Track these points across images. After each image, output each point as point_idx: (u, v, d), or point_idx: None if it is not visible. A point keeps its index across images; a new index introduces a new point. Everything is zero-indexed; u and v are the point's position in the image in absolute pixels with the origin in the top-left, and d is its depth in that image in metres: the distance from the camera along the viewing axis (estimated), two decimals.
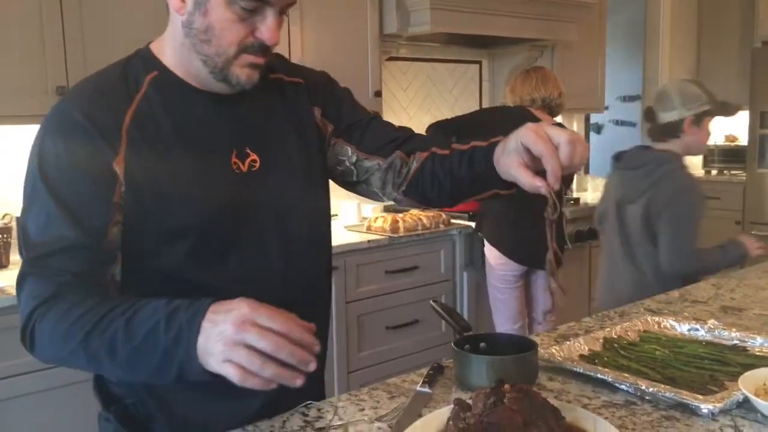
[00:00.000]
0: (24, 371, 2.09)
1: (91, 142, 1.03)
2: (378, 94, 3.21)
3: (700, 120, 2.46)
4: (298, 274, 1.19)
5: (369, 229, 3.07)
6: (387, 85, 3.56)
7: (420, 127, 3.82)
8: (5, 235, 2.39)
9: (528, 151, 1.03)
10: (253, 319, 0.88)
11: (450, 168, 1.21)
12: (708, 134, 2.53)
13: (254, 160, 1.15)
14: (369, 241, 2.92)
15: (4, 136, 2.56)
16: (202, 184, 1.09)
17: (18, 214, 2.39)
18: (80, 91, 1.11)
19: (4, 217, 2.47)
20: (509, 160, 1.06)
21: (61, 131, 1.04)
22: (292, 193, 1.19)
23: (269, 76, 1.21)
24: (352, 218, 3.19)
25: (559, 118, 3.38)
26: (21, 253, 1.04)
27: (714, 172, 5.64)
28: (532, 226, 3.04)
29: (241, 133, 1.15)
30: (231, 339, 0.87)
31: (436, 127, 3.22)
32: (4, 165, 2.55)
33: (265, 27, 1.05)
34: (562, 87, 3.23)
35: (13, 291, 2.04)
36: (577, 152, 1.00)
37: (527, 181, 1.03)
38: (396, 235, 3.00)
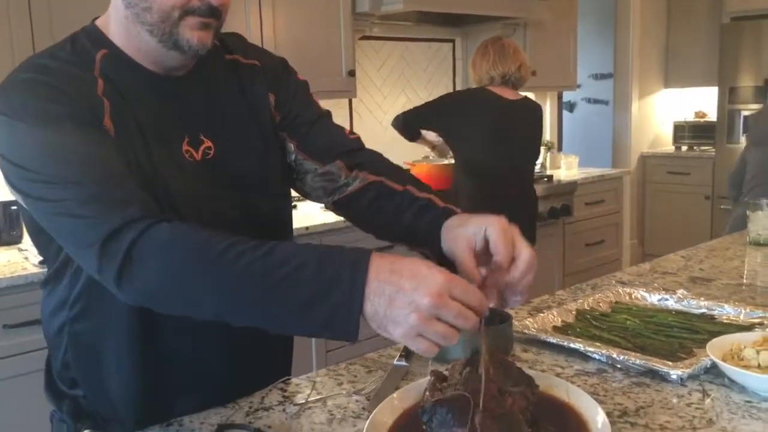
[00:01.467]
0: (25, 350, 2.09)
1: (76, 106, 0.97)
2: (351, 73, 3.20)
3: None
4: None
5: None
6: (361, 65, 3.55)
7: (395, 107, 3.83)
8: None
9: (485, 242, 0.97)
10: (450, 291, 0.80)
11: (394, 207, 1.13)
12: None
13: (209, 147, 1.10)
14: (345, 221, 2.91)
15: None
16: (153, 174, 1.02)
17: None
18: (36, 66, 1.01)
19: None
20: (461, 239, 0.99)
21: (38, 95, 0.96)
22: (250, 180, 1.14)
23: (225, 56, 1.17)
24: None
25: (530, 97, 3.37)
26: (48, 200, 0.93)
27: (684, 147, 5.72)
28: (504, 208, 3.08)
29: (193, 118, 1.09)
30: (427, 313, 0.79)
31: (402, 120, 3.16)
32: None
33: None
34: (524, 58, 3.10)
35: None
36: (527, 276, 0.96)
37: (468, 268, 0.95)
38: None
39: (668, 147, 5.90)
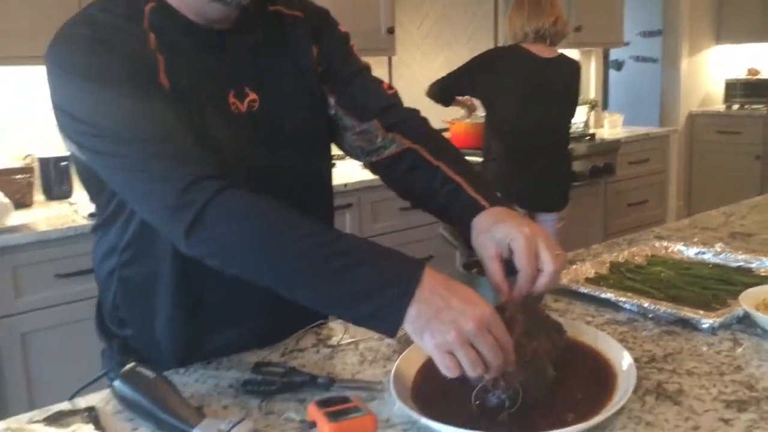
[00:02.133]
0: (51, 304, 2.18)
1: (132, 60, 0.99)
2: (390, 30, 3.18)
3: None
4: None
5: None
6: (401, 22, 3.52)
7: (434, 65, 3.80)
8: (28, 175, 2.44)
9: (511, 251, 0.98)
10: (490, 325, 0.84)
11: (429, 183, 1.15)
12: None
13: (254, 100, 1.11)
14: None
15: (26, 79, 2.58)
16: (202, 126, 1.04)
17: (40, 155, 2.45)
18: (89, 19, 1.03)
19: (26, 157, 2.53)
20: (489, 246, 1.01)
21: (96, 52, 0.98)
22: (294, 133, 1.16)
23: (268, 7, 1.17)
24: None
25: (575, 54, 3.30)
26: (113, 155, 0.96)
27: (735, 106, 5.56)
28: (534, 168, 3.07)
29: (238, 71, 1.10)
30: (466, 336, 0.83)
31: (436, 89, 3.12)
32: (23, 106, 2.59)
33: None
34: (561, 12, 2.97)
35: (38, 227, 2.12)
36: (550, 286, 0.98)
37: (494, 278, 0.99)
38: None
39: (718, 105, 5.73)
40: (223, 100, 1.09)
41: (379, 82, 1.26)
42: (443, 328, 0.83)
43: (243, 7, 1.07)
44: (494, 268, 1.00)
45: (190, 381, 1.05)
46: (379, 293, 0.86)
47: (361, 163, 1.28)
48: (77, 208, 2.38)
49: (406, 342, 1.11)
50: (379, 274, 0.88)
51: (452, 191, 1.13)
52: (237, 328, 1.15)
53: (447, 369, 0.84)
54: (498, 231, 1.01)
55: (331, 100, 1.21)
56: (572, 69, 3.09)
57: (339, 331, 1.20)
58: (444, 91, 3.11)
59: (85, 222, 2.21)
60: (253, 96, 1.11)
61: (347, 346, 1.14)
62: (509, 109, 2.95)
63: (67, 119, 1.01)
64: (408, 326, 0.86)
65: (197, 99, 1.06)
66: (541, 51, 2.96)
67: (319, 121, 1.21)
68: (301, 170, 1.18)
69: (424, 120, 1.25)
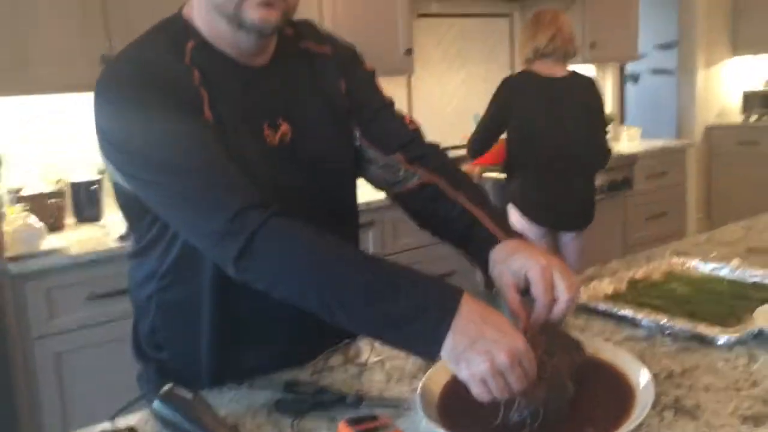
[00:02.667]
0: (84, 325, 2.24)
1: (177, 95, 1.05)
2: (408, 51, 3.25)
3: None
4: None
5: None
6: (419, 43, 3.59)
7: (453, 82, 3.86)
8: (60, 199, 2.53)
9: (527, 281, 1.04)
10: (521, 358, 0.89)
11: (448, 216, 1.22)
12: None
13: (286, 132, 1.17)
14: None
15: (57, 106, 2.68)
16: (240, 158, 1.09)
17: (71, 179, 2.53)
18: (136, 56, 1.11)
19: (58, 182, 2.61)
20: (506, 276, 1.07)
21: (145, 89, 1.05)
22: (324, 163, 1.21)
23: (299, 44, 1.24)
24: None
25: (591, 70, 3.31)
26: (163, 185, 1.03)
27: (753, 118, 5.54)
28: (557, 187, 3.08)
29: (272, 104, 1.16)
30: (498, 367, 0.88)
31: (478, 148, 3.05)
32: (56, 132, 2.68)
33: None
34: (561, 27, 2.92)
35: (71, 251, 2.20)
36: (566, 313, 1.04)
37: (513, 306, 1.04)
38: None
39: (736, 118, 5.73)
40: (258, 131, 1.15)
41: (402, 116, 1.32)
42: (478, 359, 0.89)
43: (267, 36, 1.13)
44: (512, 297, 1.05)
45: (224, 401, 1.09)
46: (418, 319, 0.92)
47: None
48: (108, 231, 2.45)
49: (432, 360, 1.16)
50: (418, 301, 0.93)
51: (470, 223, 1.20)
52: (270, 348, 1.20)
53: (481, 396, 0.90)
54: (514, 262, 1.07)
55: (357, 133, 1.27)
56: (587, 85, 3.08)
57: (366, 350, 1.25)
58: (483, 144, 3.05)
59: (115, 245, 2.29)
60: (285, 128, 1.17)
61: (374, 365, 1.19)
62: (529, 129, 2.96)
63: (115, 151, 1.08)
64: (445, 354, 0.91)
65: (236, 131, 1.12)
66: (550, 70, 2.95)
67: (347, 151, 1.27)
68: (330, 197, 1.24)
69: (444, 154, 1.31)
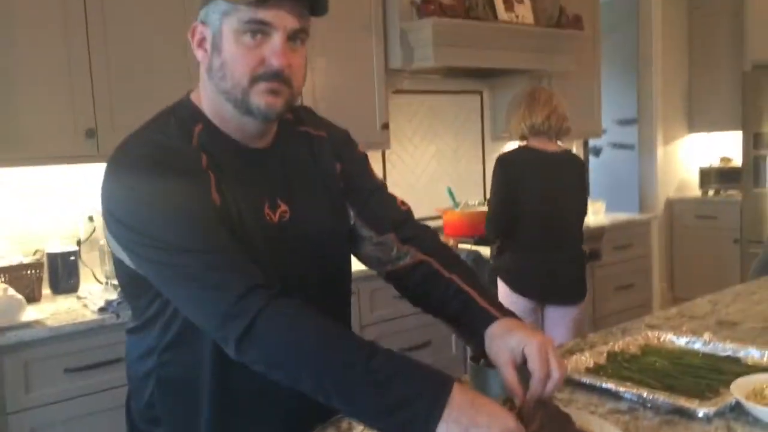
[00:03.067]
0: (61, 399, 2.20)
1: (187, 176, 1.11)
2: (385, 126, 3.36)
3: None
4: (329, 309, 1.24)
5: None
6: (393, 117, 3.70)
7: (425, 156, 3.98)
8: (37, 270, 2.51)
9: (524, 357, 1.12)
10: None
11: (441, 294, 1.28)
12: None
13: (284, 211, 1.23)
14: None
15: (36, 177, 2.69)
16: (243, 236, 1.15)
17: (49, 250, 2.53)
18: (145, 139, 1.16)
19: (35, 252, 2.60)
20: (503, 352, 1.13)
21: (156, 171, 1.09)
22: (320, 241, 1.27)
23: (297, 128, 1.31)
24: None
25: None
26: (169, 265, 1.06)
27: (711, 192, 5.77)
28: (548, 260, 3.11)
29: (273, 185, 1.23)
30: None
31: (493, 228, 3.07)
32: (37, 203, 2.69)
33: (274, 53, 1.12)
34: (556, 107, 3.01)
35: (48, 323, 2.18)
36: (558, 388, 1.12)
37: (510, 382, 1.11)
38: None
39: (695, 191, 5.96)
40: (259, 210, 1.20)
41: (394, 198, 1.39)
42: None
43: (271, 121, 1.21)
44: (509, 373, 1.12)
45: None
46: (411, 409, 0.96)
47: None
48: (86, 303, 2.44)
49: None
50: (412, 391, 0.97)
51: (464, 302, 1.26)
52: (268, 424, 1.22)
53: None
54: (511, 338, 1.14)
55: (352, 212, 1.33)
56: (578, 163, 3.16)
57: (359, 424, 1.27)
58: (499, 224, 3.06)
59: (94, 317, 2.27)
60: (284, 207, 1.23)
61: None
62: (524, 201, 2.98)
63: (124, 230, 1.11)
64: None
65: (239, 211, 1.17)
66: (545, 146, 3.02)
67: (343, 228, 1.33)
68: (327, 272, 1.29)
69: (435, 235, 1.39)
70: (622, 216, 4.53)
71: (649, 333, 1.67)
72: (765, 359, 1.47)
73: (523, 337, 1.12)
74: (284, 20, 1.13)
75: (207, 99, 1.21)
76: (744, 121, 5.27)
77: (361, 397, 0.99)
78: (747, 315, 1.92)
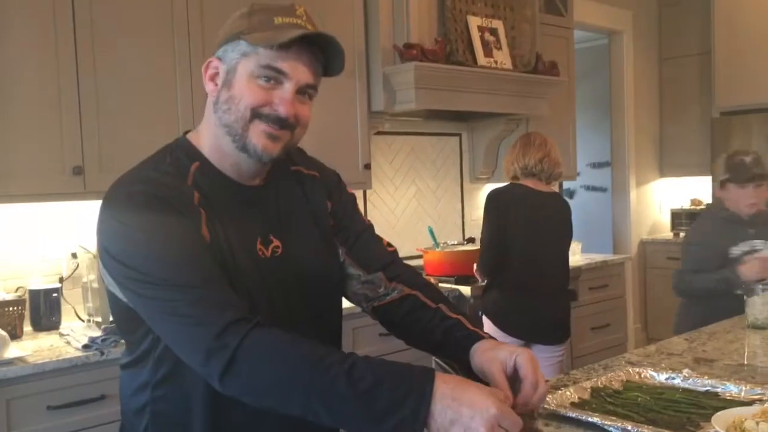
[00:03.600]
0: (69, 430, 2.19)
1: (178, 213, 1.14)
2: (367, 166, 3.42)
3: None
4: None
5: None
6: (374, 158, 3.77)
7: (406, 196, 4.04)
8: (19, 307, 2.50)
9: (514, 368, 1.19)
10: (499, 420, 0.99)
11: (427, 322, 1.33)
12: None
13: (277, 246, 1.27)
14: None
15: (20, 213, 2.70)
16: (236, 271, 1.19)
17: (31, 287, 2.52)
18: (138, 177, 1.20)
19: (17, 290, 2.59)
20: (495, 362, 1.19)
21: (145, 208, 1.13)
22: (311, 276, 1.30)
23: (290, 167, 1.36)
24: None
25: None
26: (156, 299, 1.09)
27: (682, 234, 5.89)
28: (535, 300, 3.10)
29: (265, 221, 1.27)
30: None
31: (486, 270, 3.14)
32: (20, 240, 2.69)
33: (282, 100, 1.18)
34: (549, 151, 3.10)
35: (31, 360, 2.16)
36: (545, 396, 1.21)
37: (501, 387, 1.15)
38: None
39: (667, 233, 6.09)
40: (252, 246, 1.24)
41: (380, 239, 1.45)
42: None
43: (266, 164, 1.25)
44: (501, 380, 1.17)
45: None
46: (397, 414, 0.99)
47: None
48: (69, 339, 2.42)
49: None
50: (396, 392, 1.00)
51: (452, 326, 1.31)
52: None
53: None
54: (501, 352, 1.21)
55: (341, 251, 1.38)
56: (565, 205, 3.24)
57: None
58: (490, 260, 3.11)
59: (78, 353, 2.26)
60: (276, 243, 1.27)
61: None
62: (512, 236, 3.03)
63: (118, 265, 1.14)
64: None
65: (231, 246, 1.20)
66: (537, 185, 3.09)
67: (334, 265, 1.37)
68: (318, 306, 1.32)
69: (420, 274, 1.45)
70: (597, 257, 4.61)
71: (630, 369, 1.72)
72: (743, 394, 1.52)
73: (513, 350, 1.20)
74: (299, 73, 1.19)
75: (208, 135, 1.25)
76: (713, 165, 5.43)
77: (348, 411, 1.02)
78: (722, 353, 1.98)
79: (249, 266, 1.22)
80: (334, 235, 1.38)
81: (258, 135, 1.20)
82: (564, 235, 3.20)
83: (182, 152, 1.26)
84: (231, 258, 1.19)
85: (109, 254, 1.15)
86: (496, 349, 1.22)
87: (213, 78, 1.23)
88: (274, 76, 1.18)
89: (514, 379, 1.18)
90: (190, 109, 2.71)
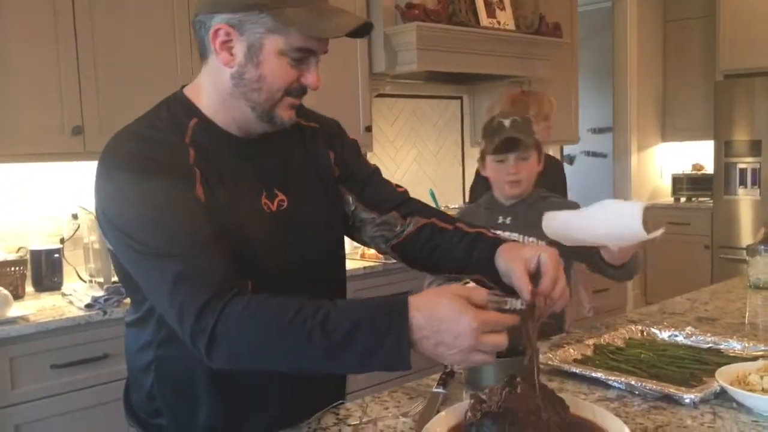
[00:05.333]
0: (46, 395, 2.19)
1: (171, 174, 1.12)
2: (368, 128, 3.39)
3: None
4: (325, 296, 1.25)
5: (363, 256, 3.22)
6: (375, 121, 3.74)
7: (407, 160, 4.02)
8: (21, 268, 2.50)
9: (537, 266, 1.17)
10: (483, 327, 0.99)
11: (448, 242, 1.33)
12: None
13: (282, 200, 1.26)
14: (364, 268, 3.08)
15: (20, 173, 2.68)
16: (238, 223, 1.18)
17: (32, 247, 2.51)
18: (134, 134, 1.18)
19: (19, 250, 2.59)
20: (518, 260, 1.17)
21: (139, 169, 1.12)
22: (316, 228, 1.30)
23: None
24: (347, 246, 3.32)
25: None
26: (156, 281, 1.09)
27: (683, 199, 5.89)
28: None
29: (269, 175, 1.26)
30: (469, 350, 0.99)
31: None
32: (21, 200, 2.68)
33: (310, 73, 1.19)
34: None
35: (32, 318, 2.17)
36: (561, 298, 1.16)
37: (522, 284, 1.14)
38: (389, 262, 3.15)
39: (668, 198, 6.08)
40: (257, 201, 1.23)
41: (389, 181, 1.43)
42: (448, 353, 1.00)
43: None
44: (522, 277, 1.15)
45: None
46: (380, 349, 1.00)
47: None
48: (71, 300, 2.43)
49: (422, 419, 1.22)
50: (373, 335, 1.00)
51: (474, 239, 1.31)
52: (266, 413, 1.24)
53: (484, 362, 1.03)
54: (526, 250, 1.20)
55: (350, 198, 1.37)
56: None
57: (356, 411, 1.29)
58: None
59: (81, 313, 2.27)
60: (281, 196, 1.26)
61: (366, 425, 1.24)
62: None
63: (109, 225, 1.14)
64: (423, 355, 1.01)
65: (234, 203, 1.19)
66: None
67: (337, 214, 1.37)
68: (322, 258, 1.32)
69: (431, 206, 1.45)
70: None
71: (633, 327, 1.72)
72: (745, 350, 1.53)
73: (537, 249, 1.19)
74: (323, 47, 1.19)
75: (214, 101, 1.21)
76: (716, 129, 5.40)
77: (330, 361, 1.03)
78: (724, 312, 1.98)
79: (254, 222, 1.21)
80: (342, 184, 1.37)
81: (285, 108, 1.20)
82: None
83: (179, 108, 1.23)
84: (232, 215, 1.18)
85: (105, 215, 1.15)
86: (521, 250, 1.20)
87: (225, 45, 1.16)
88: (304, 56, 1.17)
89: (537, 278, 1.17)
90: (189, 66, 2.67)
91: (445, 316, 0.99)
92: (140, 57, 2.61)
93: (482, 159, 2.06)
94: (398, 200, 1.39)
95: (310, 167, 1.33)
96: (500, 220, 2.01)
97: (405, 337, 0.99)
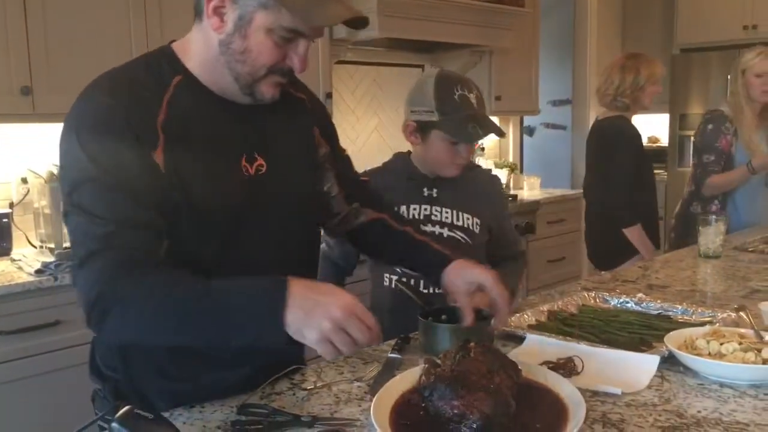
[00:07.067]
0: (22, 355, 2.17)
1: (132, 135, 1.10)
2: (329, 95, 3.35)
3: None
4: (292, 268, 1.21)
5: None
6: (336, 88, 3.70)
7: (367, 128, 4.00)
8: None
9: (478, 287, 1.34)
10: (355, 309, 1.03)
11: (394, 245, 1.47)
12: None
13: (261, 165, 1.24)
14: None
15: None
16: (214, 184, 1.17)
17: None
18: (110, 84, 1.15)
19: None
20: (460, 283, 1.35)
21: (100, 124, 1.10)
22: (294, 197, 1.29)
23: None
24: None
25: (495, 121, 3.48)
26: (77, 238, 1.09)
27: None
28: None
29: (251, 139, 1.24)
30: (337, 323, 1.01)
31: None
32: None
33: (297, 55, 1.16)
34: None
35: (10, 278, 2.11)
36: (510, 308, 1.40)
37: (464, 307, 1.32)
38: None
39: None
40: (236, 163, 1.21)
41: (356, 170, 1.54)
42: (317, 320, 1.01)
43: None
44: (465, 301, 1.33)
45: (177, 424, 1.09)
46: (259, 314, 1.02)
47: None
48: (21, 265, 2.37)
49: (376, 383, 1.22)
50: (253, 301, 1.03)
51: (420, 248, 1.43)
52: (225, 369, 1.23)
53: (328, 354, 1.04)
54: (468, 274, 1.36)
55: (331, 176, 1.42)
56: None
57: (311, 376, 1.29)
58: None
59: (31, 278, 2.21)
60: (260, 161, 1.24)
61: (320, 389, 1.24)
62: None
63: (60, 177, 1.14)
64: (291, 330, 1.02)
65: (210, 165, 1.17)
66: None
67: (314, 183, 1.39)
68: (298, 225, 1.32)
69: (384, 199, 1.57)
70: (555, 191, 4.67)
71: (586, 294, 1.75)
72: (693, 317, 1.57)
73: (480, 273, 1.35)
74: (316, 32, 1.17)
75: (202, 62, 1.19)
76: (671, 102, 5.49)
77: (212, 329, 1.04)
78: (675, 279, 2.03)
79: (233, 184, 1.20)
80: (324, 160, 1.40)
81: (269, 85, 1.18)
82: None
83: (166, 63, 1.20)
84: (208, 174, 1.17)
85: (60, 158, 1.14)
86: (462, 273, 1.35)
87: (217, 11, 1.13)
88: (293, 38, 1.15)
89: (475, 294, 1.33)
90: (144, 36, 2.60)
91: (326, 289, 1.06)
92: (92, 23, 2.52)
93: (421, 131, 1.80)
94: (362, 191, 1.49)
95: (294, 136, 1.32)
96: (426, 192, 1.86)
97: (282, 303, 1.01)
